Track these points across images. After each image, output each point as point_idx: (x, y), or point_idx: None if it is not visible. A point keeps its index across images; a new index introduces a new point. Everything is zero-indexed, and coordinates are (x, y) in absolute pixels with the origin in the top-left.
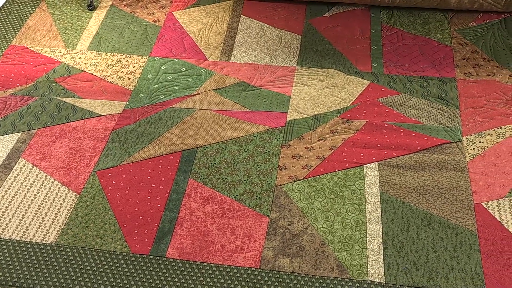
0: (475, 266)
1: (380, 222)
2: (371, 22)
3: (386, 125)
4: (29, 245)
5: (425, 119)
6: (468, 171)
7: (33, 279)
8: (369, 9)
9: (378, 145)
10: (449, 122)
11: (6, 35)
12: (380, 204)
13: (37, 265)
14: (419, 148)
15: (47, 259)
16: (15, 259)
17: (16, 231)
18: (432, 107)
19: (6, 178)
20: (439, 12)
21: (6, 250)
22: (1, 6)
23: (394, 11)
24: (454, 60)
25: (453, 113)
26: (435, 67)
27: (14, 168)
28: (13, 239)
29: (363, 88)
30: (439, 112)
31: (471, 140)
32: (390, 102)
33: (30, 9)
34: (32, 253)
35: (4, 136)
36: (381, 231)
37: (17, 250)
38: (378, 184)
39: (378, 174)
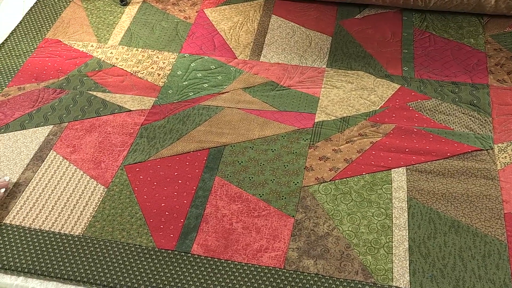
0: (504, 277)
1: (407, 228)
2: (403, 25)
3: (415, 130)
4: (57, 236)
5: (456, 125)
6: (499, 179)
7: (60, 269)
8: (401, 12)
9: (407, 150)
10: (480, 129)
11: (41, 28)
12: (407, 209)
13: (64, 256)
14: (448, 154)
15: (74, 250)
16: (44, 249)
17: (46, 222)
18: (463, 113)
19: (38, 169)
20: (473, 17)
21: (36, 240)
22: (37, 0)
23: (427, 15)
24: (488, 66)
25: (485, 120)
26: (467, 72)
27: (45, 160)
28: (43, 230)
29: (393, 92)
30: (470, 119)
31: (502, 148)
32: (420, 107)
33: (65, 3)
34: (60, 244)
35: (36, 128)
36: (407, 236)
37: (46, 240)
38: (406, 189)
39: (405, 179)
